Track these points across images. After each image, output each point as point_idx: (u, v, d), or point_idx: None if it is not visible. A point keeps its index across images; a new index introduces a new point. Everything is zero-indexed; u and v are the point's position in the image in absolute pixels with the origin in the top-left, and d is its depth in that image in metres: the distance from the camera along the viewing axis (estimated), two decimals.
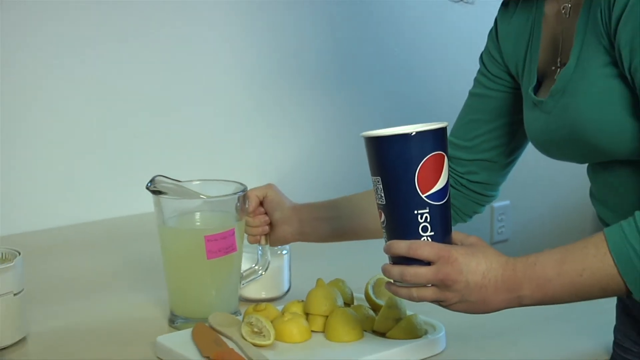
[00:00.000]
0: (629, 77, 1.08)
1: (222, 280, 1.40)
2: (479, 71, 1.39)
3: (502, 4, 1.33)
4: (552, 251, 1.08)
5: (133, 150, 2.14)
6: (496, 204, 2.80)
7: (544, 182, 2.84)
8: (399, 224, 1.09)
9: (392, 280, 1.11)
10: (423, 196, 1.08)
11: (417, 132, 1.07)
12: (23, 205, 2.00)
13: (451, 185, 1.38)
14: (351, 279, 1.42)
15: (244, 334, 1.26)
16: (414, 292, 1.09)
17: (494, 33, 1.35)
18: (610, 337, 1.34)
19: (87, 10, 2.05)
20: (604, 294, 1.07)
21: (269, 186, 1.47)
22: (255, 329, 1.26)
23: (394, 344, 1.26)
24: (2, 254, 1.34)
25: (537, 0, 1.26)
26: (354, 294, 1.40)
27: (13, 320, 1.31)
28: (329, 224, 1.46)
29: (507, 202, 2.83)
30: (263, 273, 1.46)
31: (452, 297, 1.08)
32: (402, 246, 1.08)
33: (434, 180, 1.08)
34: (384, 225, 1.11)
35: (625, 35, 1.06)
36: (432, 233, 1.09)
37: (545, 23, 1.25)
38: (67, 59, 2.04)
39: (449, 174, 1.10)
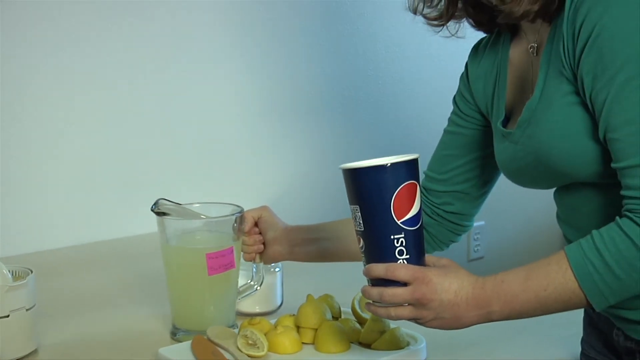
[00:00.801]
0: (589, 103, 1.09)
1: (221, 294, 1.40)
2: (453, 111, 1.40)
3: (473, 48, 1.35)
4: (517, 269, 1.09)
5: (137, 174, 2.14)
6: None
7: (516, 205, 2.85)
8: (377, 248, 1.10)
9: (371, 301, 1.12)
10: (398, 222, 1.09)
11: (392, 164, 1.08)
12: (35, 226, 1.99)
13: (428, 216, 1.39)
14: (339, 295, 1.42)
15: (240, 346, 1.26)
16: (392, 311, 1.09)
17: (465, 76, 1.36)
18: (577, 348, 1.35)
19: (95, 41, 2.05)
20: (566, 307, 1.08)
21: (264, 208, 1.48)
22: (250, 341, 1.26)
23: (379, 355, 1.26)
24: (15, 272, 1.34)
25: (502, 44, 1.28)
26: (342, 309, 1.40)
27: (25, 333, 1.31)
28: (315, 245, 1.47)
29: (482, 223, 2.83)
30: (258, 288, 1.46)
31: (427, 314, 1.08)
32: (380, 269, 1.09)
33: (408, 207, 1.09)
34: (363, 250, 1.12)
35: (588, 64, 1.07)
36: (408, 256, 1.09)
37: (511, 64, 1.26)
38: (75, 83, 2.03)
39: (421, 202, 1.11)
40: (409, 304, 1.08)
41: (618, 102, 1.05)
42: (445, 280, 1.08)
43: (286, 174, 2.39)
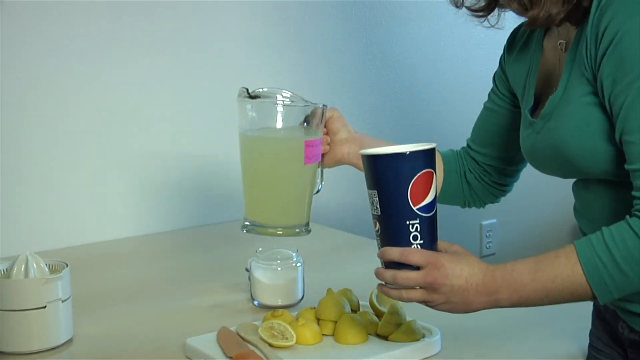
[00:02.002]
0: (607, 105, 1.09)
1: (309, 187, 1.33)
2: (492, 88, 1.41)
3: (512, 32, 1.35)
4: (527, 260, 1.10)
5: (165, 172, 2.14)
6: (484, 221, 2.80)
7: (527, 203, 2.83)
8: (392, 232, 1.10)
9: (384, 283, 1.12)
10: (414, 208, 1.09)
11: (411, 152, 1.08)
12: (70, 222, 2.00)
13: (474, 178, 1.42)
14: (357, 289, 1.42)
15: (265, 337, 1.26)
16: (404, 293, 1.10)
17: (503, 58, 1.37)
18: (586, 340, 1.34)
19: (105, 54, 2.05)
20: (572, 298, 1.08)
21: (335, 109, 1.39)
22: (275, 333, 1.26)
23: (396, 346, 1.26)
24: (51, 265, 1.35)
25: (537, 33, 1.28)
26: (360, 302, 1.39)
27: (61, 323, 1.32)
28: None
29: (494, 221, 2.82)
30: (320, 188, 1.37)
31: (438, 298, 1.09)
32: (395, 252, 1.09)
33: (424, 194, 1.09)
34: (378, 233, 1.12)
35: (608, 68, 1.07)
36: (422, 241, 1.09)
37: (543, 54, 1.26)
38: (86, 88, 2.04)
39: (436, 190, 1.11)
40: (420, 287, 1.08)
41: (635, 107, 1.05)
42: (457, 266, 1.08)
43: None
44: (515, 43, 1.34)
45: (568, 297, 1.08)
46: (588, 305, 1.37)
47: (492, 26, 1.27)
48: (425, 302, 1.10)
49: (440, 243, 1.12)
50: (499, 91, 1.39)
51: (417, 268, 1.08)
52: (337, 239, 2.04)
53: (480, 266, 1.09)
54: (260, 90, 1.28)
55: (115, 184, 2.07)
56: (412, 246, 1.09)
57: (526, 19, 1.22)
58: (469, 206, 1.48)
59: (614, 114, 1.08)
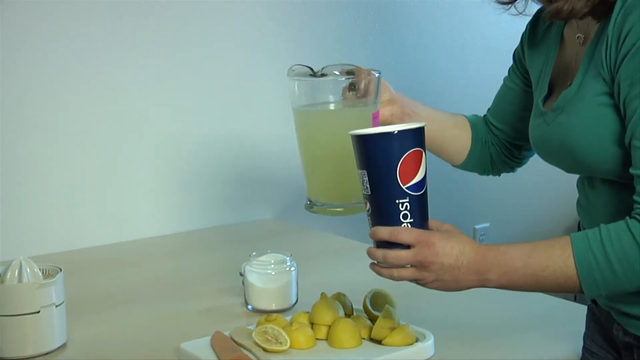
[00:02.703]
0: (622, 107, 1.08)
1: None
2: (511, 65, 1.40)
3: (534, 16, 1.32)
4: (521, 245, 1.10)
5: (161, 176, 2.13)
6: (477, 225, 2.80)
7: (520, 208, 2.83)
8: (382, 211, 1.10)
9: (375, 262, 1.11)
10: (404, 187, 1.09)
11: (399, 131, 1.08)
12: (64, 227, 1.99)
13: (495, 149, 1.43)
14: (351, 293, 1.41)
15: (259, 342, 1.25)
16: (395, 272, 1.10)
17: (525, 37, 1.35)
18: (580, 343, 1.33)
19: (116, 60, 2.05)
20: (559, 289, 1.09)
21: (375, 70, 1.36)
22: (269, 337, 1.25)
23: (389, 350, 1.25)
24: (45, 270, 1.34)
25: (557, 25, 1.26)
26: (354, 306, 1.39)
27: (55, 328, 1.31)
28: (424, 118, 1.38)
29: (487, 224, 2.82)
30: None
31: (428, 276, 1.09)
32: (385, 232, 1.09)
33: (413, 173, 1.09)
34: (369, 213, 1.12)
35: (627, 71, 1.06)
36: (412, 220, 1.09)
37: (562, 46, 1.25)
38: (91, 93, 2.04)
39: (426, 168, 1.11)
40: (411, 266, 1.08)
41: None
42: (447, 244, 1.08)
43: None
44: (538, 27, 1.31)
45: (556, 287, 1.08)
46: (582, 308, 1.36)
47: (520, 13, 1.26)
48: (416, 280, 1.11)
49: (432, 222, 1.12)
50: (518, 69, 1.38)
51: (408, 247, 1.08)
52: (331, 242, 2.03)
53: (471, 245, 1.09)
54: (320, 69, 1.25)
55: (108, 189, 2.06)
56: (402, 225, 1.09)
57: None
58: (487, 174, 1.49)
59: (627, 117, 1.07)
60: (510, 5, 1.24)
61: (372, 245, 1.13)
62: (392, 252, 1.09)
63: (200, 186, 2.18)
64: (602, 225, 1.06)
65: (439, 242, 1.08)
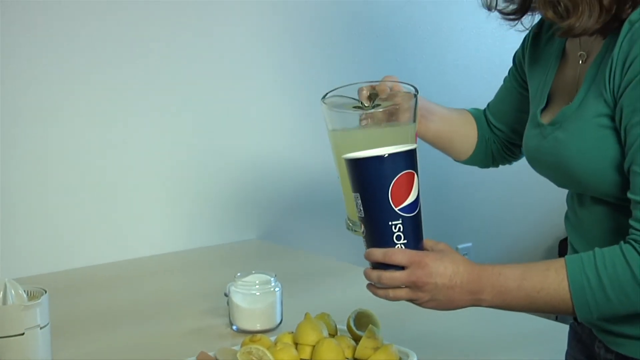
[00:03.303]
0: (622, 133, 1.08)
1: None
2: (511, 67, 1.40)
3: (538, 23, 1.30)
4: (515, 266, 1.09)
5: (146, 198, 2.13)
6: (460, 245, 2.80)
7: (502, 228, 2.84)
8: (376, 234, 1.10)
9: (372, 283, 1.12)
10: (396, 209, 1.08)
11: (389, 154, 1.08)
12: (49, 248, 1.98)
13: (494, 143, 1.43)
14: (335, 313, 1.41)
15: None
16: (390, 292, 1.10)
17: (527, 45, 1.33)
18: None
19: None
20: (553, 310, 1.08)
21: (392, 78, 1.32)
22: (254, 357, 1.25)
23: None
24: (30, 292, 1.33)
25: (559, 40, 1.25)
26: (338, 326, 1.38)
27: (39, 350, 1.29)
28: (434, 122, 1.40)
29: (469, 244, 2.83)
30: None
31: (423, 296, 1.09)
32: (379, 253, 1.09)
33: (405, 195, 1.09)
34: (364, 234, 1.12)
35: (631, 98, 1.06)
36: (405, 241, 1.09)
37: (564, 59, 1.24)
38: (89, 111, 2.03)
39: (419, 190, 1.10)
40: (405, 286, 1.08)
41: None
42: (440, 265, 1.07)
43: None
44: (541, 36, 1.29)
45: (549, 309, 1.08)
46: (564, 327, 1.37)
47: (526, 29, 1.25)
48: (412, 300, 1.10)
49: (426, 241, 1.12)
50: (517, 72, 1.38)
51: (403, 268, 1.08)
52: (315, 263, 2.03)
53: (465, 265, 1.09)
54: (371, 102, 1.24)
55: (92, 210, 2.04)
56: (396, 246, 1.09)
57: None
58: (487, 167, 1.50)
59: (627, 143, 1.07)
60: (517, 22, 1.23)
61: (369, 266, 1.12)
62: (386, 273, 1.09)
63: (185, 207, 2.17)
64: (596, 250, 1.06)
65: (432, 263, 1.08)
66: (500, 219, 2.78)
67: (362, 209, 1.10)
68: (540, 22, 1.30)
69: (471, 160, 1.48)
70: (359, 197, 1.10)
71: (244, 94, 2.23)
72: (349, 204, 1.27)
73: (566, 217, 1.26)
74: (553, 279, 1.06)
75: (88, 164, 2.03)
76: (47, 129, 1.96)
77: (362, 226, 1.11)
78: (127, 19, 2.02)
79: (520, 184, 2.65)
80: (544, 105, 1.23)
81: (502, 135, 1.45)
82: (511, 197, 2.66)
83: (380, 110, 1.23)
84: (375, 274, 1.10)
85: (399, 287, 1.09)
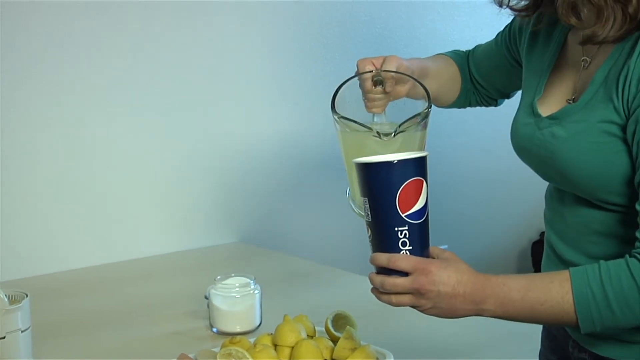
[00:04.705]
0: (634, 146, 1.05)
1: None
2: (505, 33, 1.37)
3: (536, 17, 1.26)
4: (519, 277, 1.08)
5: (134, 201, 2.11)
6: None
7: (478, 230, 2.84)
8: (382, 238, 1.09)
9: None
10: (403, 215, 1.07)
11: (399, 160, 1.07)
12: (31, 252, 1.96)
13: (473, 95, 1.44)
14: (313, 315, 1.41)
15: None
16: (393, 298, 1.08)
17: (525, 37, 1.30)
18: None
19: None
20: (555, 322, 1.08)
21: (394, 59, 1.28)
22: (234, 359, 1.24)
23: None
24: (11, 295, 1.32)
25: (560, 29, 1.22)
26: (316, 327, 1.38)
27: (20, 354, 1.28)
28: (434, 74, 1.39)
29: (445, 246, 2.83)
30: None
31: (425, 303, 1.07)
32: (383, 258, 1.08)
33: (413, 202, 1.07)
34: (370, 239, 1.11)
35: None
36: (410, 247, 1.08)
37: (564, 52, 1.21)
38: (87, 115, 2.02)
39: (427, 197, 1.09)
40: (408, 293, 1.07)
41: None
42: (444, 273, 1.06)
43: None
44: (540, 26, 1.25)
45: (552, 320, 1.07)
46: (538, 327, 1.37)
47: (537, 27, 1.23)
48: (414, 307, 1.09)
49: (432, 249, 1.10)
50: (509, 42, 1.35)
51: (407, 274, 1.07)
52: (294, 266, 2.03)
53: (469, 275, 1.07)
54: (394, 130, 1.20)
55: (73, 215, 2.03)
56: (401, 252, 1.07)
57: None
58: (464, 108, 1.50)
59: (639, 156, 1.05)
60: (527, 19, 1.22)
61: (374, 270, 1.11)
62: (389, 279, 1.07)
63: (167, 211, 2.16)
64: (601, 262, 1.05)
65: (436, 271, 1.06)
66: (475, 222, 2.79)
67: (369, 213, 1.09)
68: (539, 17, 1.26)
69: (449, 106, 1.48)
70: (367, 202, 1.09)
71: (226, 100, 2.22)
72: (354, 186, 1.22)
73: (544, 215, 1.25)
74: (557, 291, 1.05)
75: (68, 170, 2.01)
76: (36, 131, 1.95)
77: (369, 230, 1.10)
78: (118, 21, 2.01)
79: (497, 189, 2.67)
80: (541, 95, 1.21)
81: (482, 90, 1.45)
82: (486, 201, 2.67)
83: (399, 134, 1.19)
84: (379, 279, 1.08)
85: (402, 293, 1.08)
